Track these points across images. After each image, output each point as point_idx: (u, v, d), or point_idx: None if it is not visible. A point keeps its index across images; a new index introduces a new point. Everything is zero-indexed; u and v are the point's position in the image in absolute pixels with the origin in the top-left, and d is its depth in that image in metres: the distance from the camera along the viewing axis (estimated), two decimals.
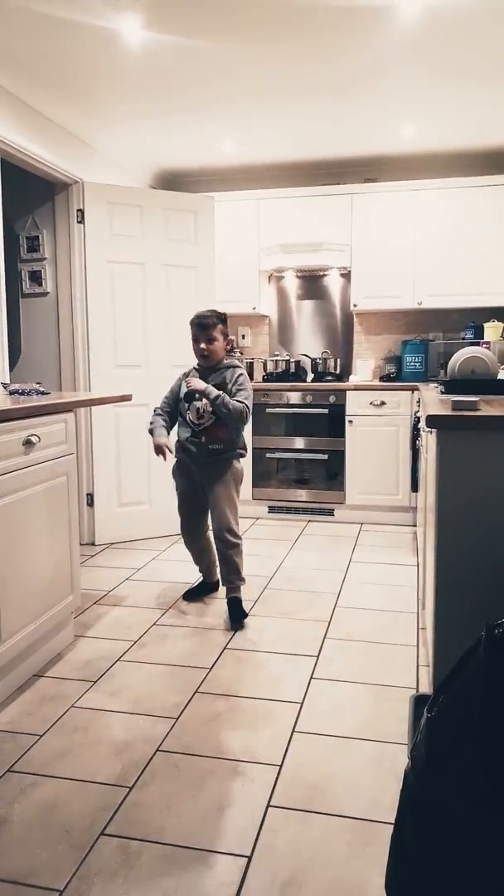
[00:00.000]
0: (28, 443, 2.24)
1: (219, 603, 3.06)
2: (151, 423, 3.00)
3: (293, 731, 2.02)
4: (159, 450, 2.93)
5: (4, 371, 3.43)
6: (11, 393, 2.67)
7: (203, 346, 2.90)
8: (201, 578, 3.22)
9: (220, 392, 2.83)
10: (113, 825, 1.62)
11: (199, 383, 2.86)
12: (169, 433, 2.99)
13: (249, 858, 1.51)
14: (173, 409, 3.00)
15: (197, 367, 3.00)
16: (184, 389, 2.93)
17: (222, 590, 3.12)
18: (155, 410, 3.03)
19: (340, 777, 1.80)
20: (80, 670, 2.43)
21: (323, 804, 1.69)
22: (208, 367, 2.95)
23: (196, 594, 3.15)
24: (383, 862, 1.41)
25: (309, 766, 1.85)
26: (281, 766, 1.85)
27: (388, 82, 3.34)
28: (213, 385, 2.86)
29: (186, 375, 2.98)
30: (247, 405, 2.85)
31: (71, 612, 2.63)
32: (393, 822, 1.32)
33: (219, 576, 3.08)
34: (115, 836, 1.58)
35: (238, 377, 2.91)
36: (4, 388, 2.79)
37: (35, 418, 2.29)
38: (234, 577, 2.91)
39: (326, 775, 1.81)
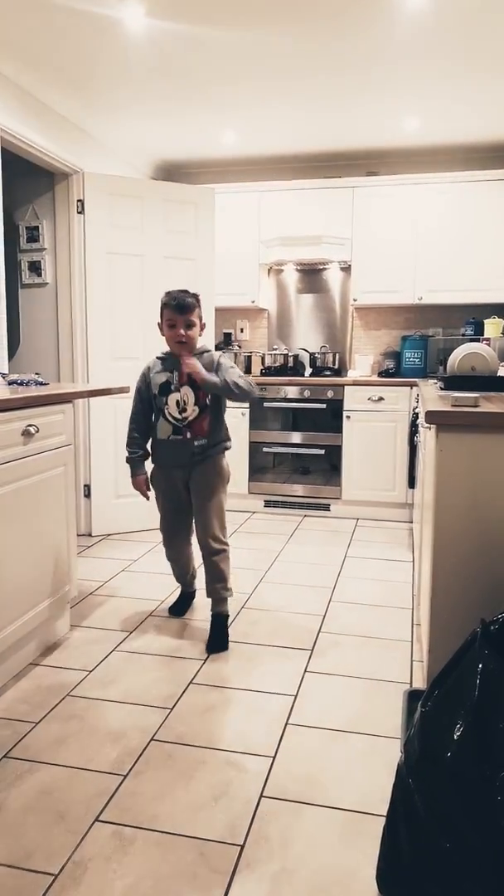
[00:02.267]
0: (27, 433, 2.24)
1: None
2: (129, 451, 2.68)
3: (286, 723, 2.04)
4: (139, 488, 2.69)
5: (3, 361, 3.43)
6: (10, 383, 2.66)
7: (182, 331, 2.51)
8: (179, 590, 2.97)
9: (218, 377, 2.49)
10: (107, 812, 1.64)
11: (202, 371, 2.48)
12: (146, 445, 2.70)
13: (242, 847, 1.53)
14: (148, 411, 2.65)
15: (163, 356, 2.63)
16: (156, 382, 2.58)
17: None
18: (130, 427, 2.68)
19: (333, 769, 1.81)
20: (76, 660, 2.44)
21: (315, 796, 1.70)
22: (182, 355, 2.55)
23: (183, 608, 2.90)
24: (374, 853, 1.43)
25: (302, 758, 1.87)
26: (274, 757, 1.87)
27: (392, 73, 3.33)
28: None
29: (150, 370, 2.63)
30: (246, 377, 2.53)
31: (67, 602, 2.64)
32: (384, 814, 1.33)
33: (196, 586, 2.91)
34: (110, 823, 1.60)
35: (220, 359, 2.57)
36: (3, 378, 2.79)
37: (34, 408, 2.29)
38: (219, 585, 2.61)
39: (319, 767, 1.82)
